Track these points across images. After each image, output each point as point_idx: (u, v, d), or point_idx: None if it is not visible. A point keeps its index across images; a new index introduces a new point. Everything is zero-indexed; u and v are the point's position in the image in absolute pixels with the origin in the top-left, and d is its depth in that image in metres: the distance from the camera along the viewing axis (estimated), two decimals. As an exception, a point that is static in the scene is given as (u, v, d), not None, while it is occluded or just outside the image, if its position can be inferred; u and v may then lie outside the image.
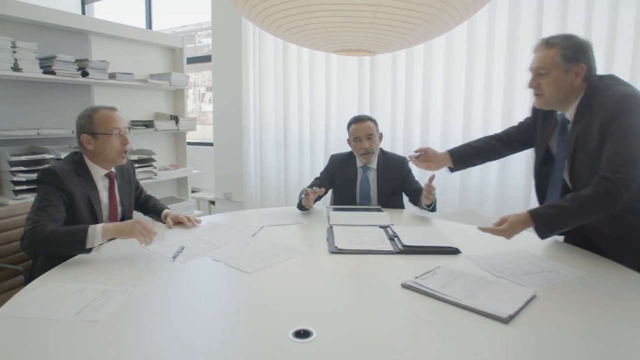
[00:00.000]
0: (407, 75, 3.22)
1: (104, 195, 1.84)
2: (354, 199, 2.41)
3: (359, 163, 2.41)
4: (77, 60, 2.91)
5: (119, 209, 1.91)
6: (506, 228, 1.41)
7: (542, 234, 1.41)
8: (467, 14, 1.51)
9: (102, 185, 1.83)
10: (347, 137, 2.45)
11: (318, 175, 2.51)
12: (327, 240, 1.74)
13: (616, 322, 1.11)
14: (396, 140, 3.33)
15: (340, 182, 2.45)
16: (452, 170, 1.88)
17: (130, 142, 1.85)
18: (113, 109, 1.82)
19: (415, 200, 2.31)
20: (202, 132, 5.47)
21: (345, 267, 1.48)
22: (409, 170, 2.43)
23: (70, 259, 1.52)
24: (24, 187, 2.63)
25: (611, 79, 1.49)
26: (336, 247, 1.64)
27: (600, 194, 1.35)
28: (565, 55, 1.45)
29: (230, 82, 4.10)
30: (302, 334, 1.01)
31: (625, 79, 2.44)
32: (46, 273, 1.40)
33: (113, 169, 1.88)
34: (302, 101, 3.71)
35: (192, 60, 4.68)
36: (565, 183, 1.59)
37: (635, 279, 1.38)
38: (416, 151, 1.94)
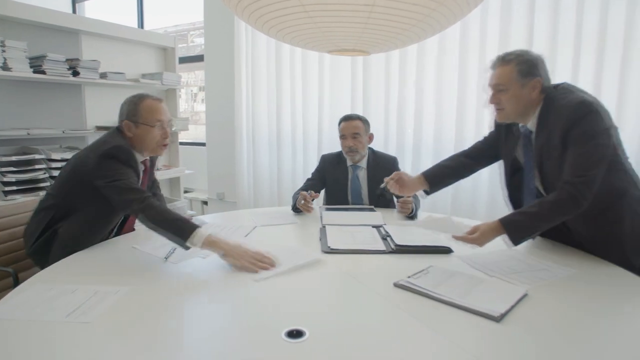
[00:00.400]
0: (400, 76, 3.23)
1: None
2: (346, 198, 2.42)
3: (349, 162, 2.42)
4: (67, 60, 2.88)
5: None
6: (478, 237, 1.45)
7: (514, 240, 1.45)
8: (460, 14, 1.51)
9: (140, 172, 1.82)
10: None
11: (310, 176, 2.51)
12: (320, 240, 1.74)
13: (606, 319, 1.12)
14: (389, 140, 3.34)
15: (332, 181, 2.45)
16: (427, 193, 1.88)
17: (170, 136, 1.82)
18: (160, 100, 1.79)
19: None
20: (194, 132, 5.45)
21: (338, 267, 1.48)
22: (398, 170, 2.42)
23: (62, 260, 1.50)
24: (14, 187, 2.60)
25: (565, 89, 1.55)
26: (329, 247, 1.64)
27: (564, 197, 1.42)
28: (522, 71, 1.52)
29: (222, 81, 4.08)
30: (295, 334, 1.01)
31: (615, 78, 2.49)
32: (36, 275, 1.39)
33: (148, 158, 1.87)
34: (295, 101, 3.71)
35: (184, 60, 4.66)
36: (539, 191, 1.64)
37: (624, 276, 1.40)
38: (389, 178, 1.91)
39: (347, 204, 2.41)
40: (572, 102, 1.45)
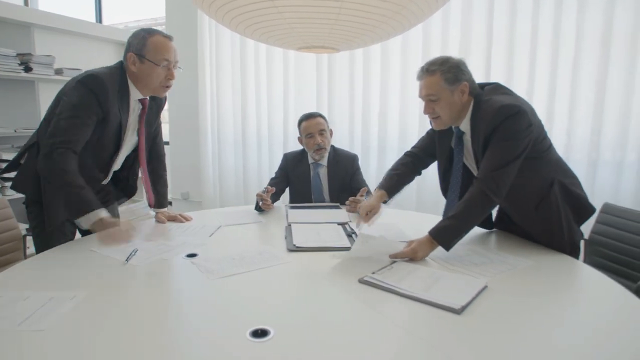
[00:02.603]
0: (364, 74, 3.26)
1: (132, 121, 1.74)
2: (309, 196, 2.42)
3: (310, 160, 2.42)
4: (18, 55, 2.75)
5: (144, 141, 1.82)
6: (410, 252, 1.48)
7: (447, 246, 1.50)
8: (429, 12, 1.54)
9: (133, 110, 1.73)
10: (298, 135, 2.46)
11: (274, 175, 2.51)
12: (286, 238, 1.74)
13: (562, 309, 1.18)
14: (354, 138, 3.37)
15: (295, 179, 2.45)
16: (385, 202, 1.89)
17: (175, 78, 1.73)
18: (170, 37, 1.69)
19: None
20: (157, 131, 5.31)
21: (303, 265, 1.48)
22: (358, 168, 2.46)
23: (14, 265, 1.43)
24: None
25: (493, 89, 1.63)
26: (294, 244, 1.64)
27: (476, 194, 1.51)
28: (448, 79, 1.57)
29: (186, 79, 3.98)
30: (260, 334, 1.00)
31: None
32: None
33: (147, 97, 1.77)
34: (260, 99, 3.68)
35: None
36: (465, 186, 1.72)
37: (575, 265, 1.47)
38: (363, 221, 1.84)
39: (311, 201, 2.41)
40: (493, 105, 1.53)
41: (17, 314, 1.09)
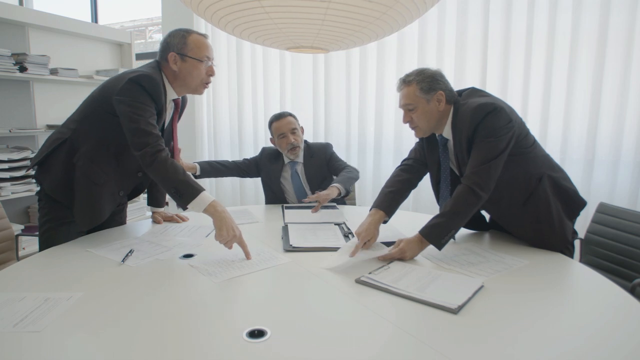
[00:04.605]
0: (361, 74, 3.27)
1: (167, 121, 1.76)
2: (282, 194, 2.42)
3: (286, 160, 2.43)
4: (13, 54, 2.73)
5: (177, 141, 1.86)
6: (398, 252, 1.48)
7: (438, 245, 1.51)
8: (417, 13, 1.55)
9: (167, 111, 1.74)
10: (270, 136, 2.46)
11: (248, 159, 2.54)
12: (282, 238, 1.74)
13: (558, 308, 1.18)
14: (350, 137, 3.37)
15: (266, 176, 2.47)
16: (385, 222, 1.82)
17: (215, 74, 1.76)
18: (206, 36, 1.72)
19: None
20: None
21: (300, 265, 1.48)
22: (332, 154, 2.47)
23: (9, 266, 1.42)
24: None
25: (469, 94, 1.67)
26: (291, 245, 1.64)
27: (463, 191, 1.53)
28: (423, 88, 1.62)
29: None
30: (256, 334, 1.00)
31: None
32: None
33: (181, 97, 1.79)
34: (257, 99, 3.68)
35: (142, 57, 4.49)
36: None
37: (575, 267, 1.48)
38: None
39: (284, 200, 2.41)
40: (470, 106, 1.56)
41: (12, 315, 1.08)
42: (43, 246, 1.68)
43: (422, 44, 3.02)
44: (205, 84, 1.75)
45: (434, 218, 1.55)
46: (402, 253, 1.48)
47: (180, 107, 1.84)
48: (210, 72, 1.73)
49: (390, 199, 1.76)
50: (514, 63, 2.80)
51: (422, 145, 1.84)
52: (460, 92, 1.70)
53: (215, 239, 1.52)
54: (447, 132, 1.68)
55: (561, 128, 2.74)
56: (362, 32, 1.57)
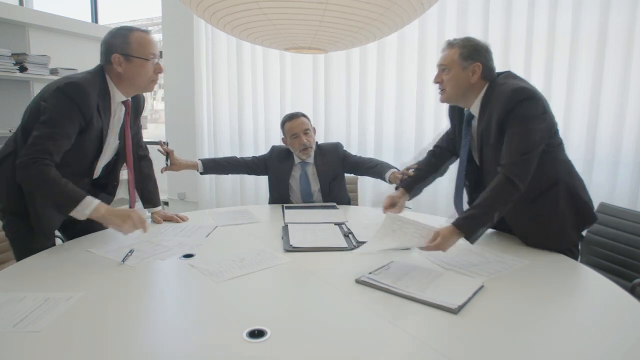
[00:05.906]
0: (361, 73, 3.26)
1: (114, 125, 1.71)
2: (287, 194, 2.41)
3: (296, 160, 2.42)
4: (13, 55, 2.73)
5: (130, 143, 1.80)
6: (440, 242, 1.42)
7: (471, 236, 1.46)
8: (415, 14, 1.55)
9: (114, 114, 1.69)
10: (282, 136, 2.44)
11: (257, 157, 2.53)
12: (282, 238, 1.74)
13: (558, 308, 1.18)
14: (350, 137, 3.37)
15: (274, 175, 2.45)
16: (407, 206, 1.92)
17: (163, 71, 1.71)
18: (148, 32, 1.65)
19: (377, 175, 2.28)
20: (154, 131, 5.30)
21: (300, 265, 1.48)
22: (345, 152, 2.46)
23: (8, 266, 1.42)
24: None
25: (506, 76, 1.63)
26: (291, 245, 1.64)
27: (502, 181, 1.47)
28: (463, 54, 1.60)
29: (182, 79, 3.98)
30: (257, 334, 1.00)
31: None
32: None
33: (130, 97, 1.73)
34: (257, 99, 3.68)
35: (141, 56, 4.50)
36: (467, 185, 1.75)
37: (575, 267, 1.47)
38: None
39: (288, 200, 2.41)
40: (508, 88, 1.53)
41: (12, 315, 1.08)
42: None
43: (422, 44, 3.02)
44: (155, 80, 1.70)
45: (469, 209, 1.51)
46: (439, 247, 1.42)
47: (131, 108, 1.76)
48: (159, 70, 1.68)
49: (415, 181, 1.84)
50: (514, 63, 2.79)
51: (454, 131, 1.83)
52: (498, 74, 1.66)
53: (124, 234, 1.53)
54: (474, 108, 1.64)
55: (561, 128, 2.70)
56: (360, 33, 1.57)
